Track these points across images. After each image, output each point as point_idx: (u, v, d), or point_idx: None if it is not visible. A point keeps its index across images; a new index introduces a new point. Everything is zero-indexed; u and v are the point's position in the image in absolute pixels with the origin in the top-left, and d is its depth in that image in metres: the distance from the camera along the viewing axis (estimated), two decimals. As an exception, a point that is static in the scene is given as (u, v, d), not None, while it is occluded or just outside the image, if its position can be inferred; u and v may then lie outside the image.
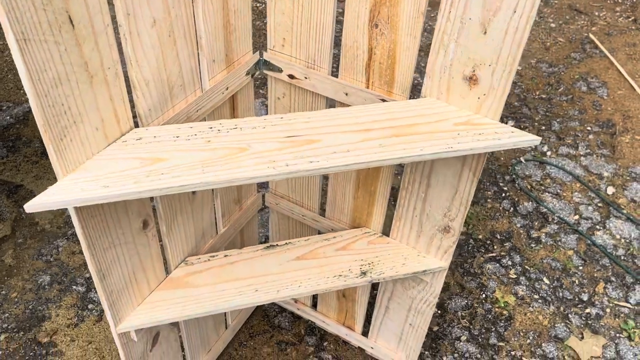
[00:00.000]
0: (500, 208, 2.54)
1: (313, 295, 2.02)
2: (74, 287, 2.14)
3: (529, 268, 2.29)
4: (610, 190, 2.61)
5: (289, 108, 1.56)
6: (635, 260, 2.32)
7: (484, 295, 2.19)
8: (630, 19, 3.73)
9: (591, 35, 3.58)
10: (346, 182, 1.59)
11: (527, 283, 2.24)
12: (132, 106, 1.12)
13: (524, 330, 2.09)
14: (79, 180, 1.01)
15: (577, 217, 2.50)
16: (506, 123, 2.48)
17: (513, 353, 2.02)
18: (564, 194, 2.60)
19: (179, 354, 1.64)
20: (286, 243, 1.59)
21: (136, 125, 1.16)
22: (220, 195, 1.58)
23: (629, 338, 2.06)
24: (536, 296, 2.19)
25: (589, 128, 2.94)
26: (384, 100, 1.35)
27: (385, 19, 1.25)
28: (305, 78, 1.44)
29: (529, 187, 2.63)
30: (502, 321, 2.11)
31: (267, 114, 1.56)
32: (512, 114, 3.06)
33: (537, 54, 3.51)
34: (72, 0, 0.91)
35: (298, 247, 1.58)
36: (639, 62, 3.29)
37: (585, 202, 2.56)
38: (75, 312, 2.06)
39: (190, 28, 1.20)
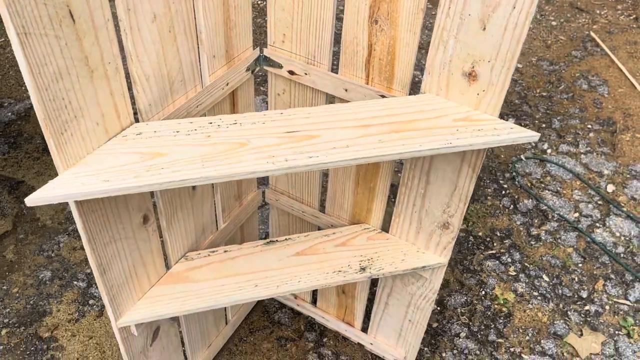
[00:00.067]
0: (500, 205, 2.54)
1: (313, 292, 2.03)
2: (75, 282, 2.15)
3: (528, 265, 2.30)
4: (611, 188, 2.61)
5: (289, 104, 1.56)
6: (635, 258, 2.32)
7: (483, 292, 2.20)
8: (631, 17, 3.73)
9: (592, 33, 3.58)
10: (346, 179, 1.59)
11: (527, 280, 2.24)
12: (133, 101, 1.13)
13: (523, 327, 2.09)
14: (79, 175, 1.01)
15: (577, 214, 2.50)
16: (507, 121, 2.48)
17: (512, 350, 2.02)
18: (564, 192, 2.60)
19: (179, 349, 1.65)
20: (286, 239, 1.60)
21: (136, 120, 1.17)
22: (220, 190, 1.58)
23: (628, 335, 2.07)
24: (535, 293, 2.20)
25: (589, 126, 2.94)
26: (383, 96, 1.36)
27: (385, 15, 1.25)
28: (305, 74, 1.45)
29: (529, 184, 2.64)
30: (502, 318, 2.12)
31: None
32: (513, 111, 3.06)
33: (538, 52, 3.51)
34: (73, -5, 0.91)
35: (298, 242, 1.59)
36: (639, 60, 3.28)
37: (585, 200, 2.56)
38: (76, 307, 2.07)
39: (190, 23, 1.21)
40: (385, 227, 1.62)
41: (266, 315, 2.08)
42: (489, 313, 2.13)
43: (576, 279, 2.25)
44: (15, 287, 2.12)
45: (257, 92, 3.08)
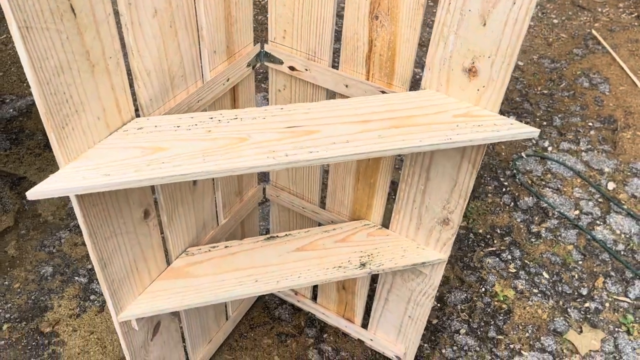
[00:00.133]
0: (501, 203, 2.55)
1: (313, 288, 2.04)
2: (76, 278, 2.15)
3: (528, 262, 2.30)
4: (611, 185, 2.61)
5: (289, 100, 1.57)
6: (635, 256, 2.33)
7: (483, 289, 2.20)
8: (633, 15, 3.72)
9: (594, 32, 3.57)
10: (346, 175, 1.60)
11: (527, 277, 2.24)
12: (134, 96, 1.13)
13: (523, 324, 2.09)
14: (80, 169, 1.02)
15: (577, 212, 2.50)
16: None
17: (512, 346, 2.03)
18: (565, 189, 2.60)
19: (180, 344, 1.65)
20: (286, 234, 1.60)
21: (137, 115, 1.17)
22: (221, 186, 1.59)
23: (628, 332, 2.07)
24: (535, 290, 2.20)
25: (590, 124, 2.94)
26: (384, 92, 1.36)
27: (386, 10, 1.26)
28: (306, 70, 1.45)
29: (529, 182, 2.64)
30: (501, 315, 2.12)
31: (268, 106, 1.57)
32: (514, 109, 3.06)
33: (540, 50, 3.51)
34: (74, -11, 0.92)
35: (298, 238, 1.59)
36: (641, 58, 3.28)
37: (585, 198, 2.56)
38: (77, 302, 2.07)
39: (191, 19, 1.21)
40: (386, 224, 1.63)
41: (267, 311, 2.09)
42: (489, 310, 2.13)
43: (576, 276, 2.26)
44: (16, 283, 2.13)
45: (259, 89, 3.09)
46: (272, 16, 1.43)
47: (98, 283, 2.14)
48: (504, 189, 2.61)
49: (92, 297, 2.09)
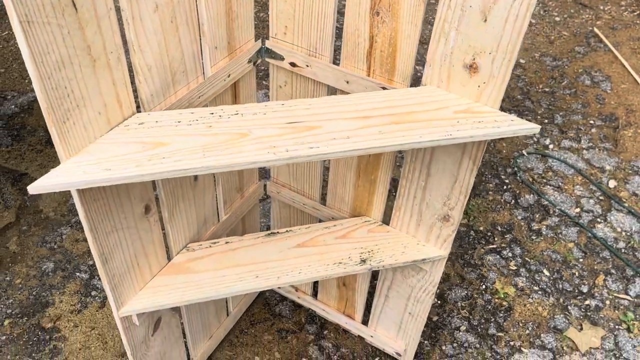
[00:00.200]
0: (502, 200, 2.55)
1: (313, 284, 2.04)
2: (78, 274, 2.16)
3: (529, 260, 2.30)
4: (612, 183, 2.61)
5: (290, 96, 1.57)
6: (636, 253, 2.32)
7: (483, 286, 2.20)
8: (635, 13, 3.72)
9: (596, 29, 3.57)
10: (347, 171, 1.60)
11: (527, 275, 2.25)
12: (135, 92, 1.13)
13: (523, 321, 2.10)
14: (81, 163, 1.02)
15: (578, 210, 2.50)
16: (508, 115, 2.47)
17: (512, 343, 2.03)
18: (566, 187, 2.60)
19: (181, 339, 1.66)
20: (287, 231, 1.61)
21: (138, 111, 1.18)
22: (222, 182, 1.59)
23: (628, 330, 2.07)
24: (536, 287, 2.20)
25: (591, 122, 2.94)
26: (384, 89, 1.36)
27: (387, 6, 1.26)
28: (307, 66, 1.45)
29: (530, 179, 2.64)
30: (502, 312, 2.12)
31: (268, 102, 1.57)
32: (515, 107, 3.06)
33: (541, 48, 3.50)
34: (76, -16, 0.92)
35: (299, 234, 1.60)
36: (643, 56, 3.28)
37: (586, 195, 2.56)
38: (78, 298, 2.08)
39: (192, 14, 1.21)
40: (386, 220, 1.63)
41: (267, 308, 2.09)
42: (489, 307, 2.14)
43: (577, 273, 2.26)
44: (18, 278, 2.14)
45: (260, 86, 3.09)
46: (273, 12, 1.43)
47: (99, 279, 2.14)
48: (504, 187, 2.61)
49: (93, 292, 2.10)
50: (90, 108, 1.04)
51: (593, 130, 2.89)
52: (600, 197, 2.55)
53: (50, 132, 0.98)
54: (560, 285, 2.21)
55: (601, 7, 3.82)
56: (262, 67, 3.21)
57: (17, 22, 0.85)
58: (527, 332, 2.07)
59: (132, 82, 1.12)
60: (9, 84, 3.05)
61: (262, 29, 3.53)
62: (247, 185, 1.75)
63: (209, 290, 1.41)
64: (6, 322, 2.00)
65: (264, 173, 2.58)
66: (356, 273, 1.53)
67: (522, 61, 3.39)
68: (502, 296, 2.17)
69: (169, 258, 1.47)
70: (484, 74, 1.19)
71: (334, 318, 2.01)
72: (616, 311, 2.13)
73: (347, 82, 1.41)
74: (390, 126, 1.16)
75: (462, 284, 2.21)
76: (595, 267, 2.28)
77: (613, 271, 2.26)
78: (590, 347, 2.02)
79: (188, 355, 1.78)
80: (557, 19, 3.76)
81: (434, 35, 1.22)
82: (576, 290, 2.20)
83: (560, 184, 2.62)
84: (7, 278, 2.14)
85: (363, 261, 1.52)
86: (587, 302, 2.16)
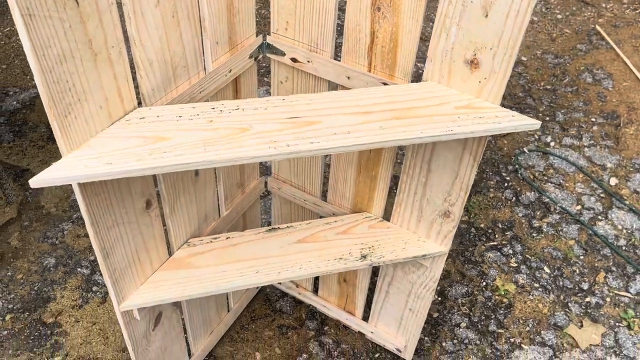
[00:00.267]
0: (503, 197, 2.55)
1: (314, 281, 2.04)
2: (79, 269, 2.17)
3: (529, 257, 2.30)
4: (613, 181, 2.61)
5: (291, 92, 1.57)
6: (637, 251, 2.32)
7: (484, 283, 2.20)
8: (637, 11, 3.71)
9: (598, 27, 3.56)
10: (348, 167, 1.60)
11: (528, 272, 2.25)
12: (137, 86, 1.14)
13: (523, 318, 2.10)
14: (82, 157, 1.03)
15: (579, 207, 2.50)
16: (510, 112, 2.47)
17: (512, 340, 2.03)
18: (567, 185, 2.60)
19: (182, 335, 1.66)
20: (288, 226, 1.61)
21: (140, 105, 1.18)
22: (222, 178, 1.59)
23: (629, 327, 2.07)
24: (536, 285, 2.20)
25: (593, 119, 2.94)
26: (385, 84, 1.36)
27: (388, 2, 1.26)
28: (308, 62, 1.45)
29: (531, 177, 2.64)
30: (502, 309, 2.12)
31: (270, 98, 1.57)
32: (517, 104, 3.06)
33: (543, 45, 3.50)
34: (77, -22, 0.92)
35: (299, 230, 1.60)
36: (645, 53, 3.27)
37: (587, 193, 2.56)
38: (79, 293, 2.09)
39: (193, 9, 1.21)
40: (387, 216, 1.63)
41: (268, 304, 2.10)
42: (490, 304, 2.14)
43: (577, 271, 2.26)
44: (19, 274, 2.14)
45: (261, 83, 3.09)
46: (275, 8, 1.43)
47: (100, 274, 2.15)
48: (505, 184, 2.61)
49: (94, 288, 2.11)
50: (91, 102, 1.04)
51: (594, 127, 2.89)
52: (601, 195, 2.55)
53: (52, 126, 0.99)
54: (561, 283, 2.21)
55: (603, 5, 3.81)
56: (264, 65, 3.21)
57: (19, 15, 0.85)
58: (528, 328, 2.07)
59: (134, 77, 1.12)
60: (11, 80, 3.06)
61: (263, 25, 3.53)
62: (248, 181, 1.75)
63: (209, 285, 1.41)
64: (8, 317, 2.01)
65: (265, 169, 2.58)
66: (357, 269, 1.54)
67: (523, 59, 3.38)
68: (503, 293, 2.17)
69: (170, 253, 1.48)
70: (485, 70, 1.19)
71: (334, 314, 2.01)
72: (616, 308, 2.13)
73: (348, 77, 1.41)
74: (391, 121, 1.16)
75: (462, 280, 2.21)
76: (596, 265, 2.28)
77: (614, 268, 2.26)
78: (591, 344, 2.02)
79: (189, 350, 1.79)
80: (559, 16, 3.75)
81: (435, 31, 1.22)
82: (577, 288, 2.20)
83: (561, 181, 2.62)
84: (9, 273, 2.14)
85: (363, 257, 1.52)
86: (587, 299, 2.16)
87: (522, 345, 2.02)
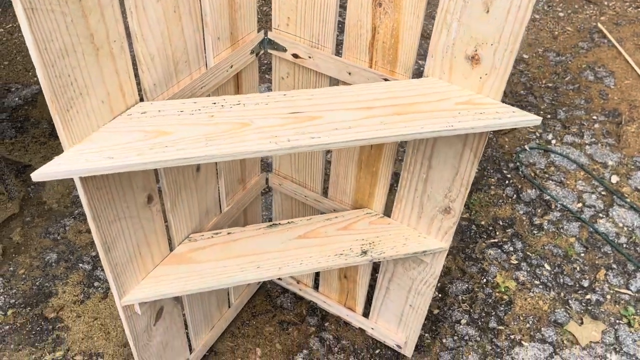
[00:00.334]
0: (504, 195, 2.55)
1: (315, 277, 2.05)
2: (81, 265, 2.17)
3: (530, 254, 2.30)
4: (615, 179, 2.61)
5: (292, 88, 1.57)
6: (638, 249, 2.33)
7: (484, 280, 2.21)
8: (639, 9, 3.70)
9: (600, 25, 3.56)
10: (348, 163, 1.60)
11: (528, 269, 2.25)
12: (138, 81, 1.14)
13: (523, 315, 2.10)
14: (84, 151, 1.03)
15: (580, 205, 2.50)
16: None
17: (512, 337, 2.03)
18: (568, 182, 2.60)
19: (183, 330, 1.67)
20: (288, 222, 1.61)
21: (141, 100, 1.18)
22: (224, 173, 1.59)
23: (629, 324, 2.07)
24: (537, 282, 2.21)
25: (594, 117, 2.93)
26: (386, 80, 1.36)
27: (389, -2, 1.26)
28: (309, 57, 1.45)
29: (532, 174, 2.64)
30: (503, 306, 2.13)
31: (271, 93, 1.58)
32: (518, 102, 3.06)
33: (545, 43, 3.49)
34: (79, -28, 0.92)
35: (300, 226, 1.60)
36: (647, 51, 3.26)
37: (588, 191, 2.56)
38: (81, 289, 2.09)
39: (195, 4, 1.22)
40: (388, 212, 1.63)
41: (268, 300, 2.10)
42: (490, 301, 2.14)
43: (578, 268, 2.26)
44: (21, 269, 2.15)
45: (263, 79, 3.09)
46: (276, 3, 1.43)
47: (102, 270, 2.16)
48: (506, 181, 2.61)
49: (95, 283, 2.11)
50: (93, 96, 1.04)
51: (596, 125, 2.88)
52: (603, 193, 2.55)
53: (54, 120, 0.99)
54: (561, 280, 2.22)
55: (605, 3, 3.81)
56: (265, 61, 3.21)
57: (22, 9, 0.85)
58: (528, 325, 2.07)
59: (136, 72, 1.12)
60: (13, 77, 3.06)
61: (265, 22, 3.53)
62: (249, 177, 1.76)
63: (210, 280, 1.42)
64: (9, 312, 2.01)
65: (266, 166, 2.59)
66: (357, 264, 1.54)
67: (525, 56, 3.38)
68: (503, 290, 2.17)
69: (171, 248, 1.48)
70: (486, 65, 1.20)
71: (335, 310, 2.01)
72: (617, 306, 2.13)
73: (349, 73, 1.41)
74: (392, 117, 1.17)
75: (463, 277, 2.22)
76: (597, 262, 2.28)
77: (614, 266, 2.26)
78: (591, 341, 2.02)
79: (190, 345, 1.80)
80: (561, 14, 3.75)
81: (436, 27, 1.22)
82: (577, 285, 2.20)
83: (562, 179, 2.62)
84: (11, 268, 2.15)
85: (364, 252, 1.53)
86: (587, 297, 2.16)
87: (522, 342, 2.02)
